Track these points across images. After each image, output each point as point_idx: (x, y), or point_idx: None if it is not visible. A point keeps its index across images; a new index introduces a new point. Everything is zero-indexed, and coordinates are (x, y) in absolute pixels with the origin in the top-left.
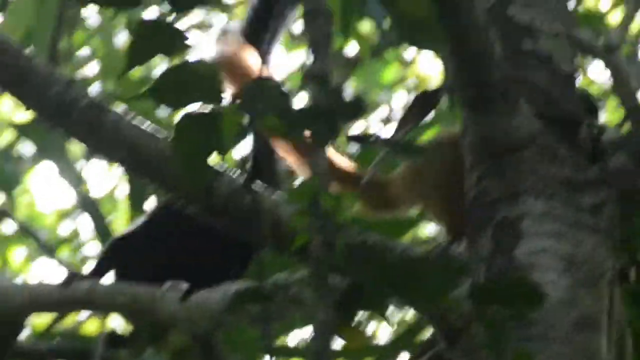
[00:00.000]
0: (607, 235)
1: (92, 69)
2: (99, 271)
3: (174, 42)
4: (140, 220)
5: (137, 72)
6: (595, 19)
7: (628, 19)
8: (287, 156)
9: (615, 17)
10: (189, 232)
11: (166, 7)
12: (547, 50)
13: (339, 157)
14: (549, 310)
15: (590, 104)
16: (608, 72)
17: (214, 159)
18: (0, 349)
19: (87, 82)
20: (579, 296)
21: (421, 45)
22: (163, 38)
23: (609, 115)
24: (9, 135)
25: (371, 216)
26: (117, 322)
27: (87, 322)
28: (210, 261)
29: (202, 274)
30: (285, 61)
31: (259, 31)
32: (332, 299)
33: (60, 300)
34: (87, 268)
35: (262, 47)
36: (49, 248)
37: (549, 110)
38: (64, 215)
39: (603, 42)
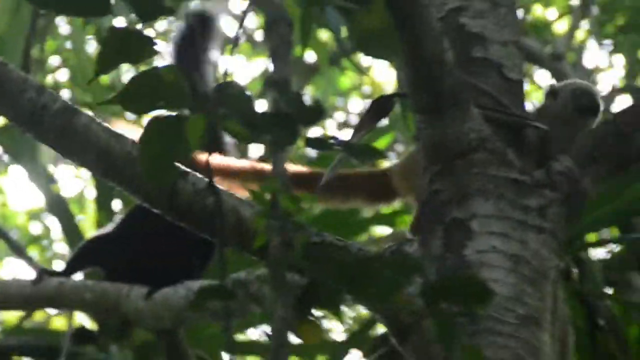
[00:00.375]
0: (551, 236)
1: (63, 75)
2: (69, 271)
3: (142, 49)
4: (113, 223)
5: (106, 78)
6: (542, 28)
7: (573, 28)
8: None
9: (561, 27)
10: (157, 233)
11: (133, 16)
12: (497, 57)
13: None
14: (497, 306)
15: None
16: (554, 79)
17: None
18: None
19: (59, 88)
20: (525, 293)
21: (376, 55)
22: (131, 45)
23: None
24: None
25: (370, 208)
26: (84, 319)
27: (55, 319)
28: (175, 259)
29: (167, 271)
30: (247, 68)
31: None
32: (290, 296)
33: (30, 296)
34: (57, 266)
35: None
36: (19, 247)
37: (498, 116)
38: (34, 215)
39: (550, 50)
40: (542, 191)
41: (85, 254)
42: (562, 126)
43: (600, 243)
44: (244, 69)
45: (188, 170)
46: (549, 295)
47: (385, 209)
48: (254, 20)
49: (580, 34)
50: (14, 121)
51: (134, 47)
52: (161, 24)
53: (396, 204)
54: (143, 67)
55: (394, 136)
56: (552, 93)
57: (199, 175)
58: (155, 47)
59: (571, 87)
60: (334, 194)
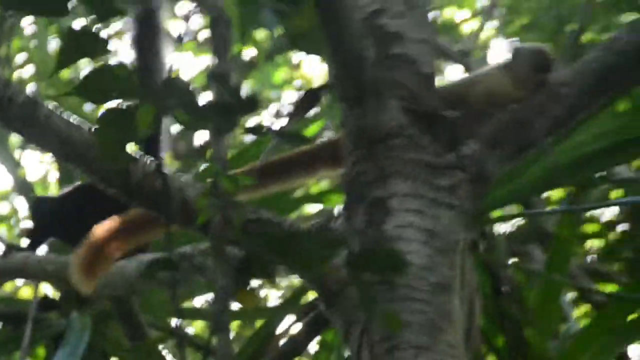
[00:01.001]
0: (461, 211)
1: (28, 71)
2: (32, 246)
3: (96, 47)
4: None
5: (66, 73)
6: (451, 28)
7: (479, 28)
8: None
9: (468, 27)
10: (96, 204)
11: (91, 17)
12: (412, 54)
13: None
14: (412, 275)
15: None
16: (463, 73)
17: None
18: None
19: (24, 82)
20: (437, 263)
21: (306, 51)
22: (87, 44)
23: None
24: None
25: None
26: (48, 289)
27: (23, 289)
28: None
29: None
30: (193, 64)
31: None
32: (230, 267)
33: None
34: (22, 242)
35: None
36: None
37: (414, 106)
38: (2, 196)
39: (458, 47)
40: (452, 172)
41: (41, 228)
42: (519, 83)
43: (504, 218)
44: (190, 64)
45: (138, 155)
46: (459, 265)
47: (314, 188)
48: (198, 21)
49: (487, 33)
50: None
51: (89, 45)
52: (116, 24)
53: (324, 184)
54: (98, 63)
55: (323, 124)
56: (512, 53)
57: (148, 159)
58: (107, 45)
59: (531, 47)
60: (301, 169)
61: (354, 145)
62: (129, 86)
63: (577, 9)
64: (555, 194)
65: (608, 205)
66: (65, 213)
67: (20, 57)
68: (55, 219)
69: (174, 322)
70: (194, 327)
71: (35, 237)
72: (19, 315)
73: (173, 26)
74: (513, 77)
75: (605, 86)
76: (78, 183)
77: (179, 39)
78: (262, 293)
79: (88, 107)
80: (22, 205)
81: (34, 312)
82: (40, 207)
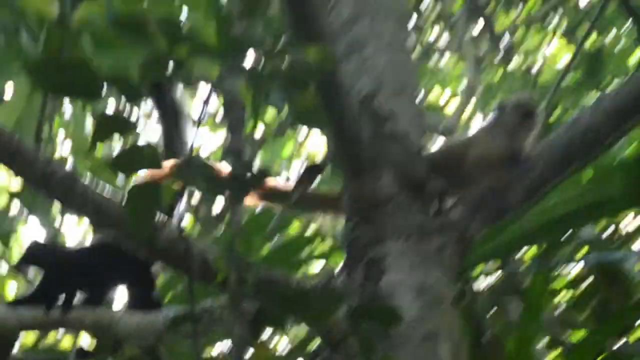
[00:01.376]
0: (448, 268)
1: (67, 147)
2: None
3: (126, 127)
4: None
5: (100, 150)
6: (437, 108)
7: (460, 109)
8: None
9: (452, 107)
10: (116, 261)
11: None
12: (403, 130)
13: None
14: (405, 326)
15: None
16: None
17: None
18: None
19: (63, 158)
20: (427, 315)
21: (309, 126)
22: (118, 125)
23: None
24: (5, 199)
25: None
26: (85, 339)
27: (63, 339)
28: (118, 276)
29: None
30: (210, 140)
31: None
32: (245, 319)
33: (42, 322)
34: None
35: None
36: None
37: (405, 176)
38: None
39: (444, 124)
40: (440, 234)
41: (59, 277)
42: (511, 133)
43: (486, 273)
44: (208, 140)
45: (165, 222)
46: (447, 315)
47: (318, 249)
48: (215, 103)
49: (468, 113)
50: (29, 184)
51: (120, 126)
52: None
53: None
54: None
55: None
56: (500, 107)
57: (173, 227)
58: (135, 126)
59: (515, 98)
60: (310, 205)
61: (352, 211)
62: (155, 163)
63: (546, 91)
64: (530, 252)
65: (576, 262)
66: (85, 266)
67: (61, 134)
68: (75, 270)
69: None
70: None
71: (52, 286)
72: None
73: (193, 107)
74: (505, 130)
75: (570, 159)
76: (98, 239)
77: (199, 119)
78: (273, 341)
79: (120, 178)
80: None
81: None
82: (44, 253)
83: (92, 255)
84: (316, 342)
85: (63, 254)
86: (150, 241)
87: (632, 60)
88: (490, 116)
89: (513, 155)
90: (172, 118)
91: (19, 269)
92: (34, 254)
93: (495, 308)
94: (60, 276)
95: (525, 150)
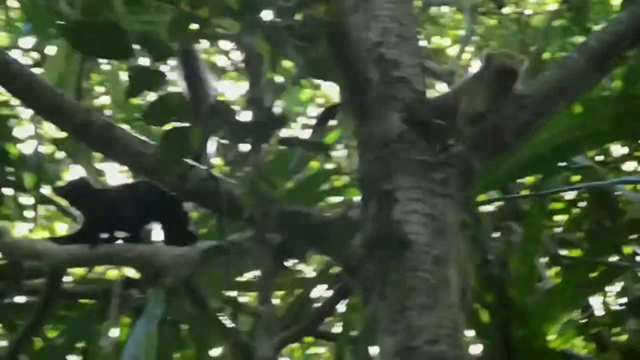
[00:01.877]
0: (452, 199)
1: (104, 100)
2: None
3: (156, 80)
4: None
5: (135, 100)
6: (439, 52)
7: (461, 52)
8: None
9: (452, 51)
10: (152, 200)
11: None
12: (407, 76)
13: None
14: (416, 251)
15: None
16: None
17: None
18: (48, 291)
19: (101, 109)
20: (436, 241)
21: (322, 78)
22: (149, 77)
23: None
24: (50, 148)
25: None
26: (130, 271)
27: (110, 272)
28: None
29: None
30: (233, 90)
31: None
32: (271, 250)
33: (88, 257)
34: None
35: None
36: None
37: (411, 117)
38: None
39: (445, 68)
40: (444, 168)
41: (99, 217)
42: (487, 87)
43: (488, 201)
44: (233, 89)
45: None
46: (454, 240)
47: (337, 182)
48: (237, 55)
49: (466, 56)
50: (70, 135)
51: (151, 79)
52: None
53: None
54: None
55: (339, 133)
56: (485, 60)
57: (201, 167)
58: (164, 78)
59: (496, 57)
60: None
61: (364, 150)
62: (184, 111)
63: (538, 33)
64: (528, 180)
65: (571, 190)
66: (122, 204)
67: (100, 89)
68: (113, 209)
69: (229, 294)
70: (247, 298)
71: (94, 224)
72: (107, 292)
73: (217, 59)
74: (487, 83)
75: (561, 95)
76: (134, 180)
77: (222, 70)
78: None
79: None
80: None
81: (119, 290)
82: (83, 193)
83: (129, 195)
84: (336, 270)
85: (101, 194)
86: (182, 181)
87: (614, 2)
88: (479, 65)
89: (489, 110)
90: (194, 71)
91: (56, 194)
92: (73, 193)
93: (498, 231)
94: (100, 215)
95: (505, 94)
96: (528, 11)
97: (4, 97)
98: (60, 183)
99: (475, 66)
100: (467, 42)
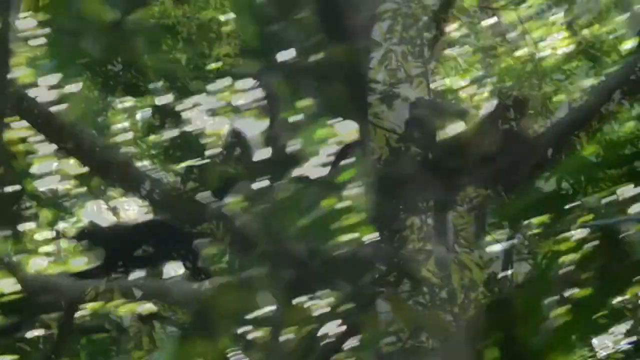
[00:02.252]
0: (463, 237)
1: (123, 137)
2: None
3: (175, 118)
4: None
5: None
6: (454, 92)
7: (475, 93)
8: None
9: (467, 91)
10: (164, 236)
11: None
12: (422, 116)
13: None
14: (427, 286)
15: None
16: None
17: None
18: (63, 325)
19: (119, 146)
20: (444, 277)
21: (338, 115)
22: (168, 116)
23: None
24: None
25: None
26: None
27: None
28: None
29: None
30: (252, 128)
31: None
32: (283, 286)
33: (104, 292)
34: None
35: None
36: None
37: (424, 157)
38: None
39: (460, 108)
40: (457, 208)
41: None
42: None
43: (498, 240)
44: (251, 127)
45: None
46: (458, 277)
47: (351, 220)
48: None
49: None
50: (91, 171)
51: (169, 116)
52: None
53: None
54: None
55: (355, 172)
56: (497, 97)
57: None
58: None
59: (504, 96)
60: None
61: (379, 189)
62: (201, 149)
63: (549, 76)
64: (538, 220)
65: (581, 227)
66: (138, 242)
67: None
68: (130, 246)
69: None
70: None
71: (110, 260)
72: (120, 327)
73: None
74: (494, 121)
75: (572, 137)
76: (148, 218)
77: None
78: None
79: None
80: None
81: (134, 324)
82: (100, 232)
83: (143, 232)
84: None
85: (117, 232)
86: (198, 218)
87: (625, 47)
88: (491, 103)
89: (500, 150)
90: None
91: (77, 240)
92: (90, 233)
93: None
94: (117, 251)
95: (517, 135)
96: (543, 53)
97: (25, 132)
98: (77, 224)
99: (489, 106)
100: (483, 83)
